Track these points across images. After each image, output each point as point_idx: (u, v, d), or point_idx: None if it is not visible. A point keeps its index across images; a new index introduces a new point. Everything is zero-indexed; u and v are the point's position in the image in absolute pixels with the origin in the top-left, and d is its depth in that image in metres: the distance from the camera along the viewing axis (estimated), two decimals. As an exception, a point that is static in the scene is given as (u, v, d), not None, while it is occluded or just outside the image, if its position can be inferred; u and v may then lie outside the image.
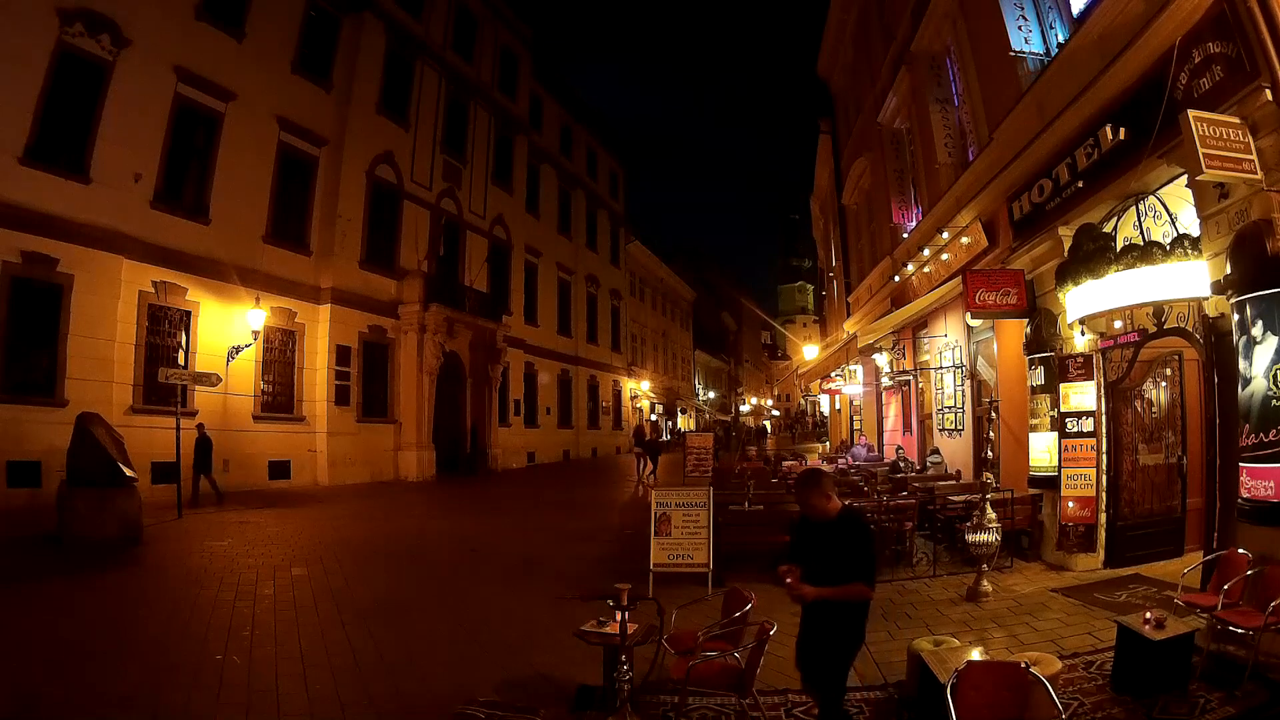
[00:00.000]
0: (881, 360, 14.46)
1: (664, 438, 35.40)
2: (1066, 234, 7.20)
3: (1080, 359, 7.31)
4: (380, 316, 18.15)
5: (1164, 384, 7.73)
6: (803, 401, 57.87)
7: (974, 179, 10.14)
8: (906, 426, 13.84)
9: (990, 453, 10.19)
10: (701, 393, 50.90)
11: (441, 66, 20.88)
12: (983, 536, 6.50)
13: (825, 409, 31.04)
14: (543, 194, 27.67)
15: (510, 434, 23.40)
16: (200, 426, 12.45)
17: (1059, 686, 3.61)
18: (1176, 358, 7.60)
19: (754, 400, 67.64)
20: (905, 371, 13.90)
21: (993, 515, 6.64)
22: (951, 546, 7.97)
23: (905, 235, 14.00)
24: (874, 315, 15.76)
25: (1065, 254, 6.91)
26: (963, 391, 11.11)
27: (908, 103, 13.31)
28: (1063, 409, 7.39)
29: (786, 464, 15.01)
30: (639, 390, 37.01)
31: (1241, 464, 4.92)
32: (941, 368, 11.90)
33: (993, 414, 10.02)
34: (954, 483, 9.83)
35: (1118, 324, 7.01)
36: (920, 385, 13.48)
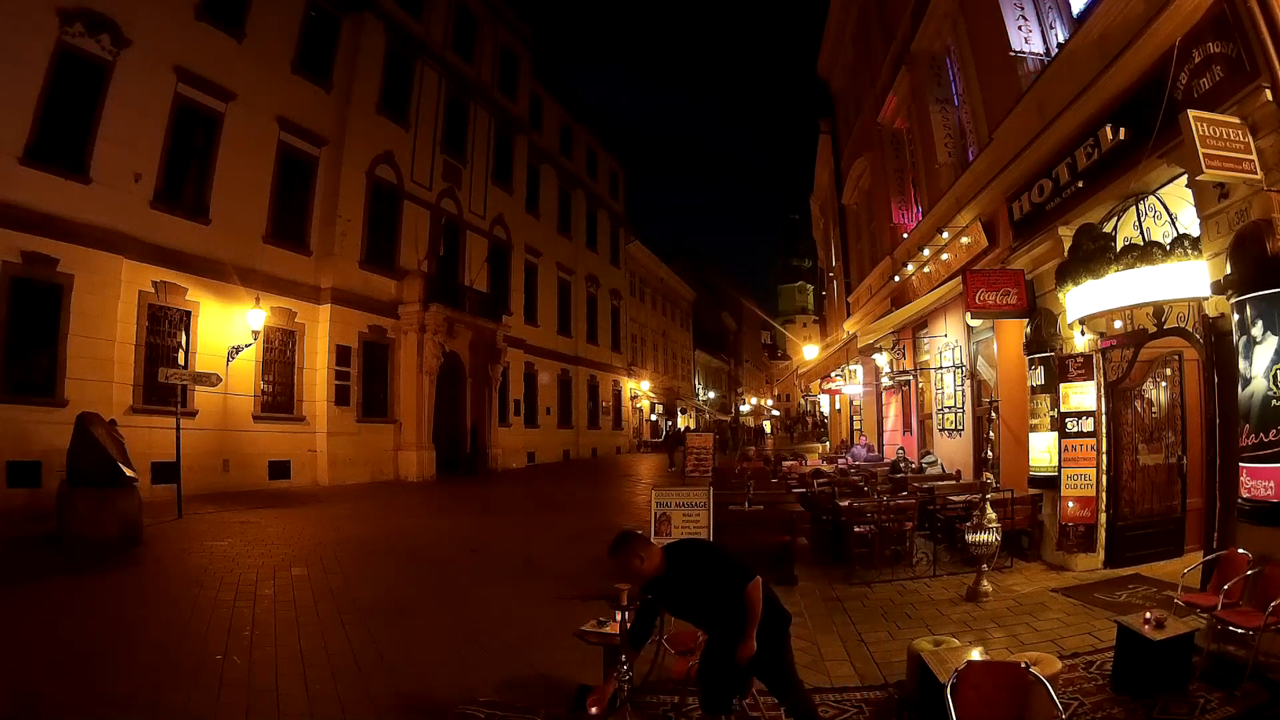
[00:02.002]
0: (881, 360, 14.48)
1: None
2: (1066, 234, 7.20)
3: (1080, 359, 7.31)
4: (380, 316, 18.15)
5: (1164, 384, 7.73)
6: (803, 402, 57.77)
7: (974, 179, 10.14)
8: (906, 426, 13.85)
9: (990, 453, 10.20)
10: (701, 393, 50.89)
11: (441, 66, 20.87)
12: (983, 536, 6.51)
13: (825, 409, 31.05)
14: (543, 194, 27.68)
15: (510, 434, 23.40)
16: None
17: (1059, 686, 3.61)
18: (1176, 358, 7.60)
19: (754, 400, 67.61)
20: (905, 371, 13.91)
21: (993, 515, 6.64)
22: (951, 546, 7.98)
23: (905, 235, 14.01)
24: (874, 315, 15.76)
25: (1065, 254, 6.91)
26: (963, 391, 11.12)
27: (908, 103, 13.32)
28: (1063, 409, 7.40)
29: (787, 464, 15.02)
30: (639, 390, 37.01)
31: (1241, 464, 4.92)
32: (941, 368, 11.90)
33: (993, 414, 10.02)
34: (954, 483, 9.84)
35: (1118, 324, 7.02)
36: (920, 385, 13.48)
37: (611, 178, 35.50)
